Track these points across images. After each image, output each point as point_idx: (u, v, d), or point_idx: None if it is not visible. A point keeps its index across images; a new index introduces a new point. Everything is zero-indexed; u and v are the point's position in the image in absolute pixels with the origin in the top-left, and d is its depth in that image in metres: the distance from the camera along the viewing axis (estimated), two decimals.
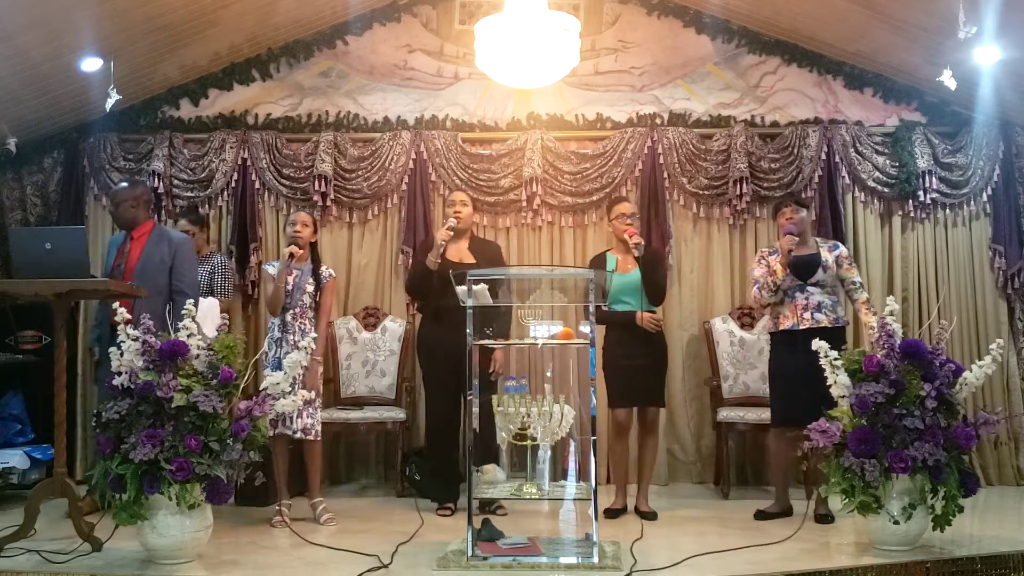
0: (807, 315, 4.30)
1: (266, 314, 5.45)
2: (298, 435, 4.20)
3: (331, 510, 4.29)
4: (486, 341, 3.93)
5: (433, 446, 4.65)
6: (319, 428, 4.29)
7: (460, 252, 4.59)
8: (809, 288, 4.33)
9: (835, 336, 4.15)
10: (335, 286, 4.75)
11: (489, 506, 4.33)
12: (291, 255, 4.26)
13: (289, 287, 4.30)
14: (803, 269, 4.33)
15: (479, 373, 3.91)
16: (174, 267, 4.32)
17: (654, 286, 4.49)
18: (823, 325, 4.25)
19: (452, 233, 4.49)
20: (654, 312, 4.51)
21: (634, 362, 4.43)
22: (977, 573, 3.39)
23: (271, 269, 4.41)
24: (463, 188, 5.22)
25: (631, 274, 4.46)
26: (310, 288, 4.36)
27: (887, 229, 5.60)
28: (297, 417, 4.17)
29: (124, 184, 4.50)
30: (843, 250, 4.44)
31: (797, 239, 4.31)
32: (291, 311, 4.30)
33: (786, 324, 4.35)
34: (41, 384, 4.86)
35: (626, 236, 4.46)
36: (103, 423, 3.30)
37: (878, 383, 3.48)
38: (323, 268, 4.46)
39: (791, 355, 4.28)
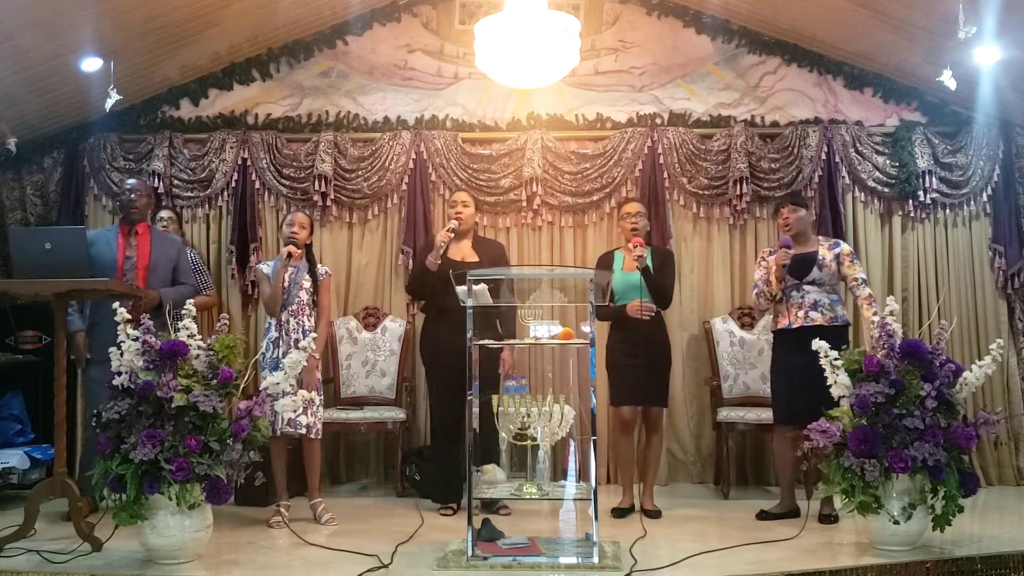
0: (801, 314, 4.31)
1: (265, 314, 5.51)
2: (302, 431, 4.20)
3: (331, 510, 4.29)
4: (487, 341, 3.93)
5: (438, 447, 4.64)
6: (320, 427, 4.30)
7: (464, 251, 4.59)
8: (805, 287, 4.34)
9: (833, 335, 4.12)
10: (331, 284, 4.75)
11: (493, 505, 4.33)
12: (289, 255, 4.27)
13: (285, 283, 4.30)
14: (798, 268, 4.34)
15: (487, 373, 3.93)
16: (178, 265, 4.53)
17: (658, 289, 4.47)
18: (818, 324, 4.26)
19: (453, 235, 4.48)
20: (651, 306, 4.45)
21: (637, 361, 4.42)
22: (977, 573, 3.39)
23: (265, 268, 4.41)
24: (464, 188, 5.22)
25: (635, 273, 4.43)
26: (307, 284, 4.36)
27: (887, 229, 5.60)
28: (301, 414, 4.17)
29: (139, 179, 4.70)
30: (844, 247, 4.41)
31: (791, 253, 4.31)
32: (288, 309, 4.30)
33: (783, 323, 4.40)
34: (41, 384, 4.87)
35: (629, 246, 4.46)
36: (103, 423, 3.30)
37: (878, 383, 3.48)
38: (319, 266, 4.47)
39: (788, 353, 4.33)
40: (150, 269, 4.36)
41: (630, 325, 4.42)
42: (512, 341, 4.25)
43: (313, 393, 4.08)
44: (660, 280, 4.48)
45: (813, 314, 4.29)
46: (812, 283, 4.33)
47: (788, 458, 4.34)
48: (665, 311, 4.60)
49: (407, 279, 5.01)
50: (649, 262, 4.46)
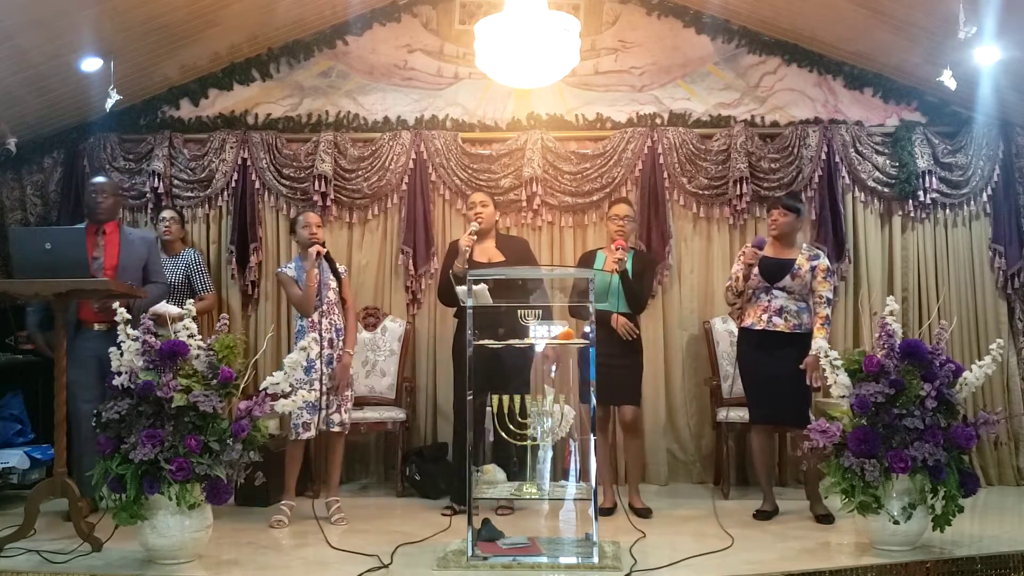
0: (764, 317, 4.37)
1: (265, 314, 5.52)
2: (335, 428, 4.28)
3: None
4: (487, 341, 3.93)
5: (459, 446, 4.61)
6: (349, 423, 4.40)
7: (488, 252, 4.57)
8: (774, 291, 4.38)
9: (794, 342, 4.26)
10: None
11: (505, 504, 4.35)
12: (318, 254, 4.28)
13: (317, 284, 4.32)
14: (772, 272, 4.38)
15: (516, 372, 4.07)
16: (148, 264, 4.43)
17: (634, 295, 4.47)
18: (779, 330, 4.32)
19: (476, 238, 4.48)
20: (633, 320, 4.49)
21: (609, 361, 4.38)
22: (977, 573, 3.39)
23: (289, 271, 4.42)
24: (464, 188, 5.22)
25: (613, 275, 4.42)
26: (333, 284, 4.40)
27: (887, 229, 5.60)
28: (334, 412, 4.25)
29: (107, 178, 4.63)
30: (822, 262, 4.39)
31: (760, 254, 4.35)
32: (318, 309, 4.31)
33: (747, 321, 4.47)
34: (41, 384, 4.86)
35: (612, 247, 4.46)
36: (103, 423, 3.30)
37: (878, 383, 3.49)
38: (338, 265, 4.48)
39: (749, 352, 4.46)
40: (117, 270, 4.25)
41: (605, 326, 4.41)
42: (514, 341, 4.24)
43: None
44: (638, 286, 4.49)
45: (776, 319, 4.34)
46: (782, 289, 4.35)
47: (765, 457, 4.46)
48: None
49: (438, 289, 4.92)
50: (630, 266, 4.47)
